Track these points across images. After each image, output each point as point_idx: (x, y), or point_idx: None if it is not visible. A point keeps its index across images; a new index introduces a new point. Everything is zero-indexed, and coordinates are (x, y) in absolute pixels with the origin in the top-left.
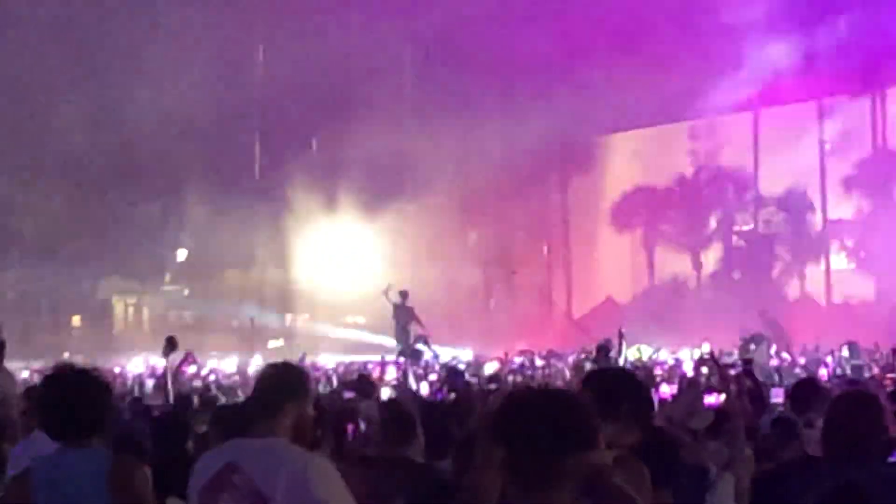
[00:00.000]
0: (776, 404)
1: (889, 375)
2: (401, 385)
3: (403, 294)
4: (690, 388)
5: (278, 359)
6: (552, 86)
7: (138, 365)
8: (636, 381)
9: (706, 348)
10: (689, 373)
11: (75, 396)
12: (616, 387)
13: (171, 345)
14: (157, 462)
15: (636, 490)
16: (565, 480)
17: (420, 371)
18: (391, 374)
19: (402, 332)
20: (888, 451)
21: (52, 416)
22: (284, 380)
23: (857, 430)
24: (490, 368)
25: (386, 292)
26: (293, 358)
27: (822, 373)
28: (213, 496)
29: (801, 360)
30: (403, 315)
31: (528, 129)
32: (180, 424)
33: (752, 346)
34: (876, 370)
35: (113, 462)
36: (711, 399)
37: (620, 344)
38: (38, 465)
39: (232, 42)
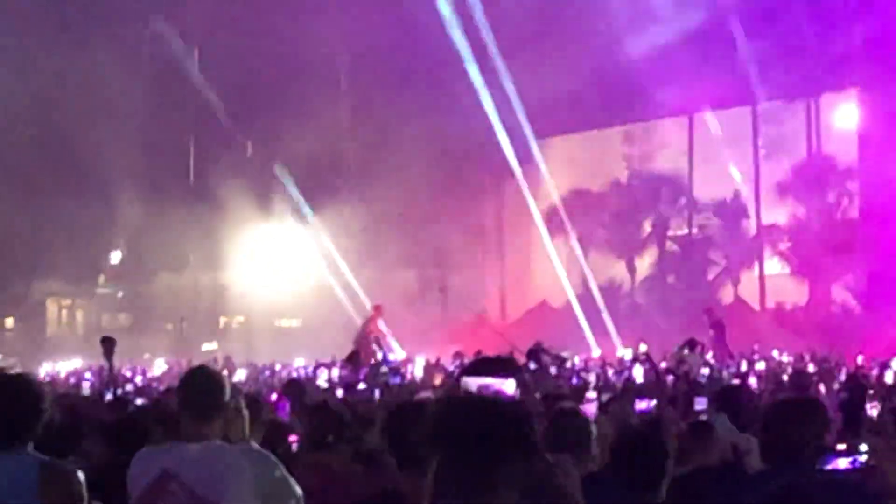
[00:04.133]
0: (700, 411)
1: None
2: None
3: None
4: (623, 394)
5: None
6: (489, 89)
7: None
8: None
9: (643, 348)
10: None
11: (7, 402)
12: None
13: (110, 345)
14: (104, 464)
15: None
16: (500, 491)
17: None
18: (324, 377)
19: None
20: (821, 458)
21: None
22: (214, 383)
23: (799, 436)
24: (418, 369)
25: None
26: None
27: (752, 381)
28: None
29: (745, 367)
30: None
31: (464, 131)
32: (132, 428)
33: (686, 352)
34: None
35: (43, 469)
36: (643, 405)
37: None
38: None
39: (167, 43)
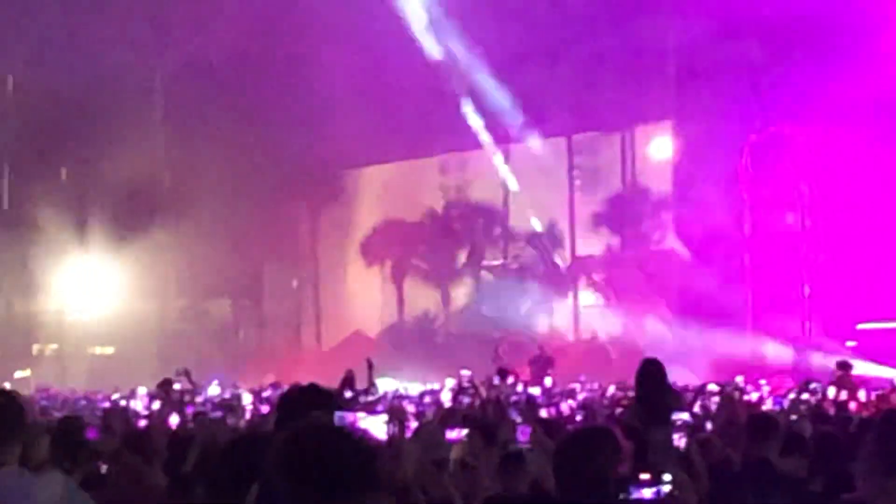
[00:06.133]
0: (519, 441)
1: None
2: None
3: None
4: (442, 419)
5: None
6: (302, 116)
7: None
8: None
9: (466, 373)
10: (447, 403)
11: None
12: None
13: None
14: None
15: None
16: None
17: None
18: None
19: None
20: (622, 488)
21: None
22: (10, 407)
23: (592, 465)
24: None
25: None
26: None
27: (564, 407)
28: None
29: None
30: None
31: (278, 159)
32: None
33: (497, 381)
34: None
35: None
36: (453, 434)
37: (370, 374)
38: None
39: None
